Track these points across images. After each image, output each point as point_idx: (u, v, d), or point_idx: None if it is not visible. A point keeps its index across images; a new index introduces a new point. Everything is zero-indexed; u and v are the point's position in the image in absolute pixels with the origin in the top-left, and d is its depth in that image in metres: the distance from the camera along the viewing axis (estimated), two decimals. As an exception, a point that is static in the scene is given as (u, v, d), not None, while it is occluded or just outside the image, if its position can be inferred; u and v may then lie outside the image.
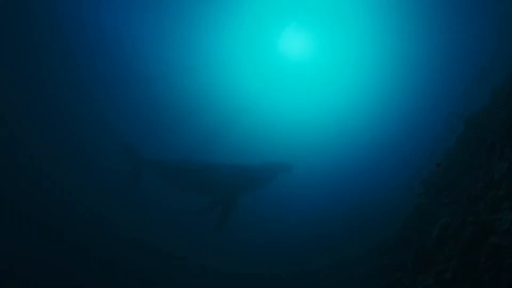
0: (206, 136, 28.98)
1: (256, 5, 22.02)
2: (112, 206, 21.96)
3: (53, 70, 23.29)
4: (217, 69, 26.84)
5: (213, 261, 16.11)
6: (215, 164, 12.84)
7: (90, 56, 24.12)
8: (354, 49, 24.02)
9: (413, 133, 27.48)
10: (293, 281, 14.12)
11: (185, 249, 17.25)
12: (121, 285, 15.35)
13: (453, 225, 7.75)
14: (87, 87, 25.47)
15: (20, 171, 22.86)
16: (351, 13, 20.99)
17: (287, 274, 14.42)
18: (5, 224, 18.22)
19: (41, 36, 21.74)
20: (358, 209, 18.02)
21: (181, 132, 28.22)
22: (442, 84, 26.08)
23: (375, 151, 28.04)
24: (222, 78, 27.45)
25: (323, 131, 28.91)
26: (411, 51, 23.51)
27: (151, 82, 26.77)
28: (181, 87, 27.57)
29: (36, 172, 23.74)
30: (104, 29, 23.17)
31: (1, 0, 19.23)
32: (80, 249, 17.68)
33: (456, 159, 10.00)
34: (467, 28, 22.09)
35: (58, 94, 24.36)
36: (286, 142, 27.66)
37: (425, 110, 26.89)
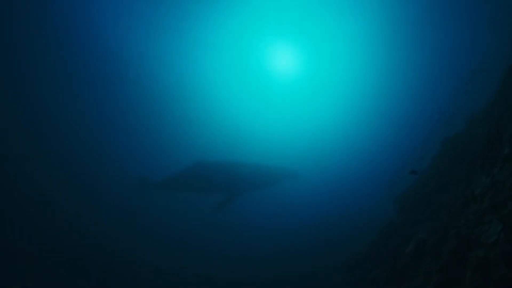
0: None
1: (243, 21, 22.22)
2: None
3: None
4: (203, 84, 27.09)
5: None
6: (228, 165, 13.82)
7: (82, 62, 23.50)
8: (341, 64, 24.40)
9: (392, 151, 27.92)
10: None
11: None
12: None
13: (430, 240, 7.21)
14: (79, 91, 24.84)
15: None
16: (337, 27, 21.43)
17: (256, 283, 14.26)
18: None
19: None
20: (330, 223, 17.54)
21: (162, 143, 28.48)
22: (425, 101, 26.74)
23: (355, 167, 28.08)
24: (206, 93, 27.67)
25: (303, 145, 28.77)
26: (394, 70, 24.32)
27: (136, 92, 26.43)
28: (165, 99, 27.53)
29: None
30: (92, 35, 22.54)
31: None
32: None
33: (431, 178, 9.75)
34: (448, 49, 23.03)
35: (45, 99, 23.59)
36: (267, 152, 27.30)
37: (404, 132, 27.38)
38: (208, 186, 13.78)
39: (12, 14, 19.48)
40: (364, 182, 23.58)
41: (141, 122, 27.71)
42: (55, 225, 20.11)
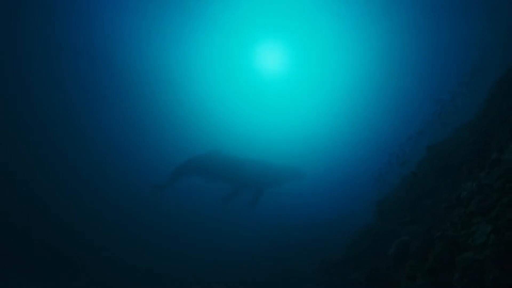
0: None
1: (231, 21, 22.09)
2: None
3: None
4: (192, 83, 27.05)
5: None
6: (239, 159, 14.57)
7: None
8: (328, 64, 24.47)
9: (376, 154, 28.17)
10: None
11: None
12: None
13: (414, 243, 6.97)
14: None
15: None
16: (325, 28, 21.49)
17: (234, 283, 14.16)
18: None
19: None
20: (311, 226, 17.32)
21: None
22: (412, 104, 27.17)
23: (338, 170, 28.12)
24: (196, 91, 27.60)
25: (289, 146, 28.60)
26: (380, 72, 24.61)
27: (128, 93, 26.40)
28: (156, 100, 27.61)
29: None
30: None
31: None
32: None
33: (415, 183, 9.64)
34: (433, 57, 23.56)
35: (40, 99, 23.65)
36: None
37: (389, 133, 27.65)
38: (218, 174, 14.66)
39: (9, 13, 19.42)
40: (346, 185, 23.64)
41: (128, 122, 27.71)
42: (49, 224, 20.13)
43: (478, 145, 7.69)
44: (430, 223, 7.13)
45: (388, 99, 26.59)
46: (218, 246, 17.92)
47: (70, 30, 21.30)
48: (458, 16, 19.75)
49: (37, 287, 14.18)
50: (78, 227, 20.67)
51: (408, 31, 20.77)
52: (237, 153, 15.00)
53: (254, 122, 29.63)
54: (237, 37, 23.54)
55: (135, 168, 27.06)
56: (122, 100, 26.39)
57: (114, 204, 23.76)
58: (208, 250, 17.65)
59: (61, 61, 22.45)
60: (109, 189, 25.02)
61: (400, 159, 12.59)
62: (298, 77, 25.80)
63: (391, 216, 9.38)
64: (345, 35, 21.54)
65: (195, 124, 29.18)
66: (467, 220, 6.18)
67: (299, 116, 28.94)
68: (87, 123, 25.83)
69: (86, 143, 26.22)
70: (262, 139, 29.06)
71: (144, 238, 20.16)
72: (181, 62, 25.13)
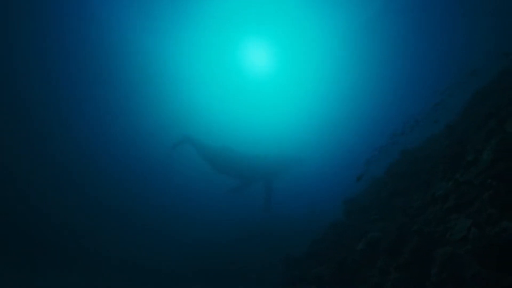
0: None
1: (217, 18, 21.67)
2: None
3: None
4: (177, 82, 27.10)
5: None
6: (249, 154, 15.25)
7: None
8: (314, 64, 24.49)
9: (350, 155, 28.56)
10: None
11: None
12: None
13: (385, 239, 6.64)
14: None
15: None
16: (311, 27, 21.53)
17: (193, 273, 14.10)
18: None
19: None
20: (276, 221, 17.00)
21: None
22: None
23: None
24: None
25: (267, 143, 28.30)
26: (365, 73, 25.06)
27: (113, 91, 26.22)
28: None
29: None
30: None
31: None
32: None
33: (386, 183, 9.50)
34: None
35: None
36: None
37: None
38: (226, 169, 15.44)
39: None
40: (317, 182, 23.62)
41: (116, 122, 27.77)
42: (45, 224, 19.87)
43: (452, 149, 7.68)
44: (402, 221, 6.87)
45: (374, 99, 27.24)
46: (188, 236, 17.97)
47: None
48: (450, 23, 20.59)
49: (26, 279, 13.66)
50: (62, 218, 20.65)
51: (397, 31, 21.35)
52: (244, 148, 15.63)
53: (241, 120, 29.27)
54: (222, 35, 23.12)
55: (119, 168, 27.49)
56: (108, 100, 26.27)
57: (106, 199, 23.80)
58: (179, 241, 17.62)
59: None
60: (101, 186, 25.23)
61: (371, 160, 12.59)
62: (284, 76, 25.71)
63: (359, 215, 9.11)
64: (331, 34, 21.76)
65: (182, 123, 29.23)
66: (443, 217, 5.95)
67: (282, 116, 28.85)
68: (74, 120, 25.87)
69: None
70: (246, 138, 28.69)
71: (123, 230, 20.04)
72: (166, 60, 24.94)
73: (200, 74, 26.52)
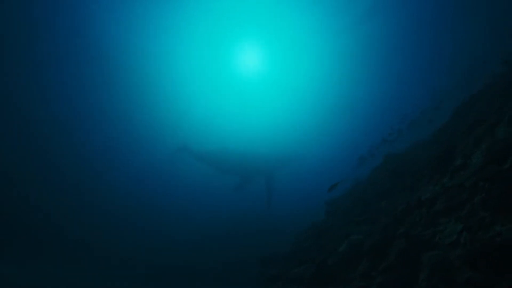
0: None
1: (210, 20, 21.34)
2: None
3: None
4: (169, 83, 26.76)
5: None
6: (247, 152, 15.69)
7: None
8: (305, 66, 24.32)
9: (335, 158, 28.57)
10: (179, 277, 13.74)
11: None
12: None
13: (368, 241, 6.33)
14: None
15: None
16: (303, 30, 21.36)
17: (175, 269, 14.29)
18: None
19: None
20: (256, 220, 16.79)
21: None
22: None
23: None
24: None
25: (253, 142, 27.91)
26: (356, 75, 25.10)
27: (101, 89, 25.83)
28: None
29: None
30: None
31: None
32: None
33: (369, 185, 9.29)
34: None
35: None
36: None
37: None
38: (229, 168, 15.86)
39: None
40: (300, 183, 23.43)
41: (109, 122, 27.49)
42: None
43: (439, 153, 7.56)
44: (385, 223, 6.61)
45: (366, 100, 27.42)
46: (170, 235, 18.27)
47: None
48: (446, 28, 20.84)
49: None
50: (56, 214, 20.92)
51: (389, 33, 21.45)
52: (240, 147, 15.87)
53: (233, 120, 28.80)
54: (215, 35, 22.63)
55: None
56: (102, 100, 25.98)
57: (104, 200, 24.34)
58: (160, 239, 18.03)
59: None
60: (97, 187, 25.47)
61: (356, 164, 12.50)
62: (276, 76, 25.39)
63: (342, 216, 8.83)
64: (324, 35, 21.65)
65: (174, 123, 29.50)
66: (431, 220, 5.72)
67: (274, 116, 28.61)
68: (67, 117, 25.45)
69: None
70: (239, 137, 28.33)
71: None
72: (157, 60, 24.73)
73: (193, 75, 26.06)
